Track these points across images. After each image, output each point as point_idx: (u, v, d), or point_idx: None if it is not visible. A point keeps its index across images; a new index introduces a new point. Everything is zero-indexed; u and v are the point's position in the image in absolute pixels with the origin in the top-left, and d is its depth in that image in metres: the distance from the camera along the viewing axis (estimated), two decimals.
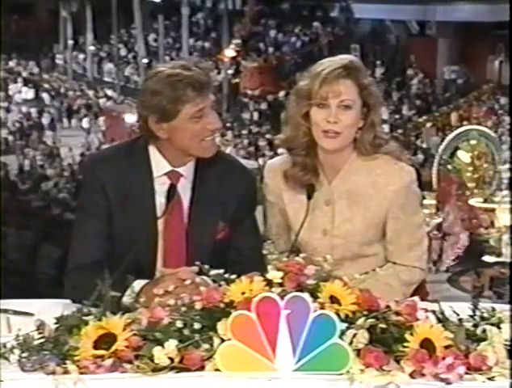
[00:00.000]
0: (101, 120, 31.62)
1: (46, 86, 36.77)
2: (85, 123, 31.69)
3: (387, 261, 2.87)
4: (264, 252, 2.86)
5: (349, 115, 2.72)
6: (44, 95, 35.32)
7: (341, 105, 2.72)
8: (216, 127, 2.70)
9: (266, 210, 2.97)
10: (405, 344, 2.06)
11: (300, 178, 2.83)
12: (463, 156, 18.44)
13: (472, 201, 17.67)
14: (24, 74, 37.80)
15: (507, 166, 17.81)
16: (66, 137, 29.65)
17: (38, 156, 27.06)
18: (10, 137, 29.90)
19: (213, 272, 2.35)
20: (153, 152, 2.77)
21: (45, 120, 32.21)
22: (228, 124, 28.41)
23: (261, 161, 24.16)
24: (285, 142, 2.88)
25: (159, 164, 2.76)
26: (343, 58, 2.77)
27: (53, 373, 2.03)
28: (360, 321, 2.10)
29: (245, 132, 28.61)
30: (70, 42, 38.77)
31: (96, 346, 2.06)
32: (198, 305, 2.14)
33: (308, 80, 2.75)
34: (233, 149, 25.85)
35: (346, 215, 2.82)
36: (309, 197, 2.80)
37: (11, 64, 38.22)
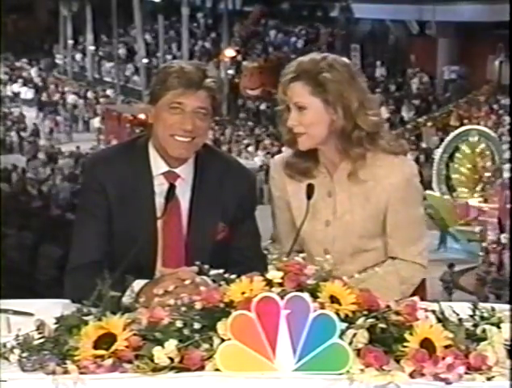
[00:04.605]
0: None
1: (45, 85, 36.76)
2: (96, 123, 31.80)
3: (388, 257, 2.88)
4: (264, 252, 2.86)
5: (305, 115, 2.76)
6: (44, 95, 35.32)
7: (297, 107, 2.77)
8: (185, 128, 2.66)
9: (273, 208, 2.97)
10: (405, 344, 2.06)
11: (296, 165, 2.86)
12: (463, 156, 18.46)
13: (471, 201, 17.71)
14: (24, 74, 37.80)
15: (507, 166, 17.81)
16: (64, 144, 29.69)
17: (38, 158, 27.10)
18: (15, 138, 29.95)
19: (213, 271, 2.35)
20: (152, 151, 2.77)
21: (47, 121, 32.21)
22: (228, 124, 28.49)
23: (258, 160, 24.21)
24: (283, 139, 2.92)
25: (157, 164, 2.77)
26: (298, 60, 2.82)
27: (53, 373, 2.03)
28: (360, 321, 2.10)
29: (242, 132, 28.66)
30: (70, 42, 38.78)
31: (96, 346, 2.06)
32: (198, 305, 2.14)
33: None
34: (235, 148, 25.89)
35: (347, 206, 2.83)
36: (309, 197, 2.81)
37: (10, 63, 38.21)
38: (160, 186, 2.75)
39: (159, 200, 2.73)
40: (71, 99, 34.77)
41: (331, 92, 2.75)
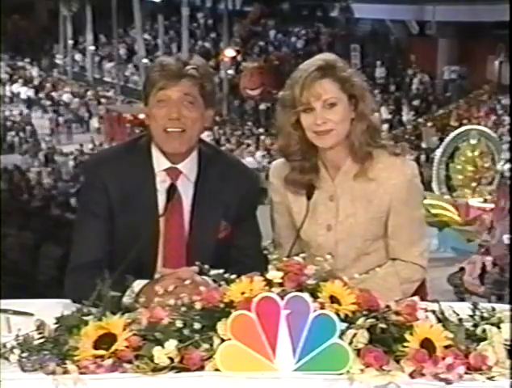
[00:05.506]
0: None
1: (45, 85, 36.77)
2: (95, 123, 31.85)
3: (388, 259, 2.87)
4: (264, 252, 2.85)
5: (336, 111, 2.74)
6: (44, 95, 35.32)
7: (325, 105, 2.74)
8: (171, 116, 2.68)
9: (273, 212, 2.96)
10: (405, 344, 2.06)
11: (299, 180, 2.85)
12: (463, 156, 18.46)
13: (472, 201, 17.69)
14: (24, 74, 37.80)
15: (507, 166, 17.81)
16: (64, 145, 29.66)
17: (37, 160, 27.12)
18: (15, 138, 29.94)
19: (213, 271, 2.35)
20: (155, 149, 2.78)
21: (47, 121, 32.20)
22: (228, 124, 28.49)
23: (254, 160, 24.19)
24: (280, 151, 2.92)
25: (159, 161, 2.77)
26: (318, 59, 2.79)
27: (53, 373, 2.03)
28: (360, 321, 2.10)
29: (241, 132, 28.66)
30: (70, 42, 38.78)
31: (96, 346, 2.06)
32: (198, 305, 2.14)
33: (289, 89, 2.78)
34: (234, 147, 25.88)
35: (350, 210, 2.83)
36: (309, 197, 2.81)
37: (11, 63, 38.23)
38: (162, 183, 2.76)
39: (161, 198, 2.74)
40: (71, 98, 34.75)
41: (357, 88, 2.77)
